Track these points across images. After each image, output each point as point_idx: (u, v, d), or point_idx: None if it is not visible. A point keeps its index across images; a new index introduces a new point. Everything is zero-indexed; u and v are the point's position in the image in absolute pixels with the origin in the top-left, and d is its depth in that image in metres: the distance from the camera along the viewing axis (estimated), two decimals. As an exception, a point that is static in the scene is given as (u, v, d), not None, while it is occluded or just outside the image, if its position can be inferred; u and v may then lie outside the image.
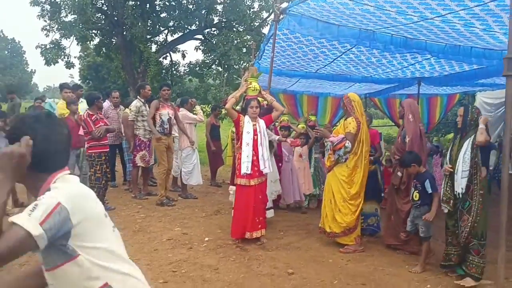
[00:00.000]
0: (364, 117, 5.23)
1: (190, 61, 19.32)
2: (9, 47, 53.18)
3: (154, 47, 17.63)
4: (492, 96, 13.38)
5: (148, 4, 16.05)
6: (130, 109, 7.33)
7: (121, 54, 15.94)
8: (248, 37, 16.49)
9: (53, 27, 14.71)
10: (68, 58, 15.39)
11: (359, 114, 5.08)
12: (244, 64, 15.25)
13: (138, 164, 7.37)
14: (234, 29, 17.02)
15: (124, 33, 15.01)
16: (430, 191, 4.49)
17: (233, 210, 5.36)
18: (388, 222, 5.04)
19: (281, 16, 5.54)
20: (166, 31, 18.01)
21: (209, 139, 8.77)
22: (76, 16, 13.64)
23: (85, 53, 24.64)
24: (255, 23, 16.78)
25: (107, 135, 6.67)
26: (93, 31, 15.69)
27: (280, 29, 5.75)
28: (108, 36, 16.47)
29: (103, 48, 17.38)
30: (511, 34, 2.72)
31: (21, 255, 1.36)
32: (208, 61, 18.49)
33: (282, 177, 6.63)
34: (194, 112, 8.19)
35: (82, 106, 7.09)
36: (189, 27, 17.33)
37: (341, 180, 4.99)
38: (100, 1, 15.51)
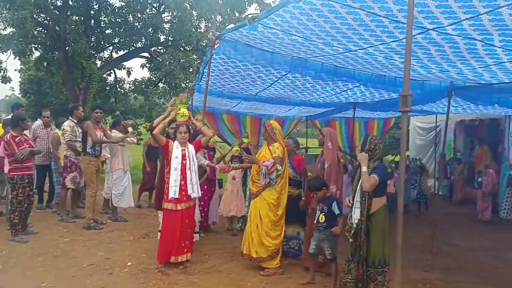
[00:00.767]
0: (284, 144, 5.46)
1: (136, 78, 19.09)
2: None
3: (98, 63, 17.31)
4: (424, 121, 14.24)
5: (92, 20, 15.80)
6: (64, 129, 7.18)
7: (63, 69, 15.53)
8: (195, 56, 16.59)
9: (-12, 40, 14.13)
10: (4, 73, 14.79)
11: (281, 141, 5.30)
12: (190, 84, 15.29)
13: (68, 186, 7.19)
14: (181, 48, 17.06)
15: (66, 48, 14.67)
16: (337, 212, 4.71)
17: (159, 234, 5.36)
18: (307, 245, 5.20)
19: (217, 42, 5.71)
20: (111, 48, 17.75)
21: (145, 159, 8.74)
22: (14, 29, 13.18)
23: (26, 66, 23.70)
24: (201, 43, 16.91)
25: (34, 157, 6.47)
26: (33, 45, 15.19)
27: (217, 53, 5.91)
28: (49, 50, 16.02)
29: (44, 63, 16.86)
30: (406, 74, 2.97)
31: None
32: (154, 79, 18.36)
33: (213, 201, 6.77)
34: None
35: None
36: (135, 44, 17.18)
37: (270, 204, 5.13)
38: (42, 16, 15.09)
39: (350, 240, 4.28)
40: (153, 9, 16.78)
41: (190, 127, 5.49)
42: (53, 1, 14.91)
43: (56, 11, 14.60)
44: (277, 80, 7.10)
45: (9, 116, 7.88)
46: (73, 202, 7.65)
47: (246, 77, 7.11)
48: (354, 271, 4.23)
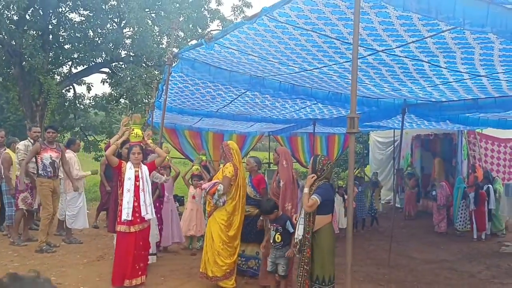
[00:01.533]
0: (242, 165, 5.48)
1: (96, 94, 18.74)
2: None
3: (57, 78, 16.88)
4: (383, 136, 14.62)
5: (51, 35, 15.45)
6: (18, 148, 6.96)
7: (19, 85, 15.06)
8: (156, 72, 16.45)
9: None
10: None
11: (237, 162, 5.30)
12: (151, 100, 15.14)
13: (20, 207, 6.94)
14: (143, 63, 16.90)
15: (23, 63, 14.26)
16: (292, 230, 4.76)
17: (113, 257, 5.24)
18: (265, 264, 5.20)
19: (175, 60, 5.71)
20: (70, 63, 17.38)
21: (103, 178, 8.45)
22: (-34, 43, 12.74)
23: (-20, 81, 22.84)
24: (163, 59, 16.82)
25: None
26: (-14, 60, 14.71)
27: (175, 71, 5.91)
28: (5, 65, 15.54)
29: (0, 78, 16.33)
30: (352, 96, 3.07)
31: None
32: (115, 94, 18.08)
33: (163, 218, 6.67)
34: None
35: None
36: (95, 59, 16.90)
37: (221, 224, 5.12)
38: (-4, 30, 14.64)
39: (297, 255, 4.34)
40: (114, 24, 16.59)
41: (143, 147, 5.43)
42: (9, 15, 14.50)
43: (12, 26, 14.19)
44: (237, 97, 7.16)
45: None
46: (25, 224, 7.36)
47: (205, 94, 7.13)
48: (301, 286, 4.26)
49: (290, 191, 5.19)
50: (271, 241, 4.88)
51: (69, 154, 7.30)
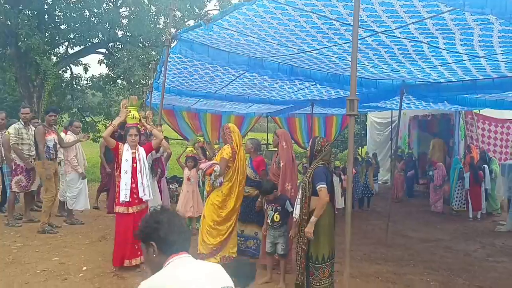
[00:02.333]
0: (242, 148, 5.47)
1: (93, 75, 18.66)
2: None
3: (54, 59, 16.76)
4: (380, 116, 14.65)
5: (46, 15, 15.28)
6: (9, 132, 6.96)
7: (15, 66, 14.96)
8: (154, 52, 16.35)
9: None
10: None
11: (236, 145, 5.30)
12: (149, 81, 15.08)
13: (13, 190, 6.99)
14: (140, 44, 16.78)
15: (19, 43, 14.14)
16: (291, 209, 4.84)
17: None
18: (264, 244, 5.25)
19: (174, 41, 5.68)
20: (66, 43, 17.25)
21: (103, 160, 8.49)
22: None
23: (-25, 61, 22.64)
24: (161, 39, 16.70)
25: None
26: (-18, 40, 14.57)
27: (174, 52, 5.88)
28: (0, 46, 15.40)
29: (-4, 58, 16.20)
30: (352, 78, 3.08)
31: None
32: (112, 75, 18.00)
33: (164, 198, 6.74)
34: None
35: None
36: (91, 40, 16.76)
37: (214, 205, 5.16)
38: (-9, 10, 14.46)
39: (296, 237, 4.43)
40: (110, 4, 16.43)
41: (140, 129, 5.44)
42: (3, -5, 14.32)
43: (7, 5, 14.01)
44: (235, 78, 7.14)
45: None
46: (26, 205, 7.41)
47: (204, 75, 7.11)
48: (299, 266, 4.35)
49: (290, 171, 5.25)
50: (269, 222, 4.95)
51: (69, 136, 7.33)
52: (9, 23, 14.25)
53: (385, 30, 3.95)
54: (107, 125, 13.88)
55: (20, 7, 14.33)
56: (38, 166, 6.73)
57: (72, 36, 16.52)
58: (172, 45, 5.73)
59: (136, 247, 5.02)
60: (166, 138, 8.04)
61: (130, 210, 5.02)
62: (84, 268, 5.18)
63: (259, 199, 5.50)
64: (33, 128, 7.09)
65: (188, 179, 6.98)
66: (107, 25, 15.99)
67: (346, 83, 6.35)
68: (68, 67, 17.70)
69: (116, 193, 5.12)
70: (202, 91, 8.54)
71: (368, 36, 4.16)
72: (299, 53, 5.10)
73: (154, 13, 16.67)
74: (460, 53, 4.43)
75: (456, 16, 3.35)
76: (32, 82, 15.11)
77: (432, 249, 6.80)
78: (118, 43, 17.51)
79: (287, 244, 4.92)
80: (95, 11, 16.00)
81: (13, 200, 7.21)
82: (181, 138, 13.23)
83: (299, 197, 4.31)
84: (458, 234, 7.90)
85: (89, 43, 16.90)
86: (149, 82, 13.29)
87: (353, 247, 4.47)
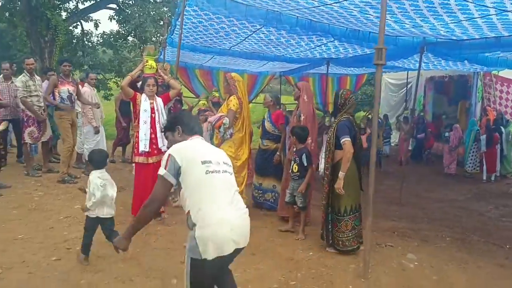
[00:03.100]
0: (246, 97, 5.43)
1: (104, 31, 18.44)
2: None
3: (64, 15, 16.53)
4: (395, 77, 14.40)
5: (56, -32, 14.98)
6: (16, 85, 6.96)
7: (26, 20, 14.79)
8: (165, 9, 16.05)
9: None
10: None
11: (241, 94, 5.25)
12: (161, 38, 14.86)
13: (26, 141, 7.07)
14: (151, -1, 16.48)
15: (29, -2, 13.93)
16: (306, 163, 4.83)
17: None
18: (283, 196, 5.31)
19: (190, -7, 5.53)
20: (76, -2, 16.97)
21: (118, 114, 8.54)
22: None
23: (-15, 17, 22.41)
24: (174, -6, 16.36)
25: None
26: (-8, -6, 14.37)
27: (190, 5, 5.74)
28: (11, 0, 15.18)
29: (6, 13, 15.99)
30: (381, 26, 2.97)
31: (168, 191, 2.47)
32: (123, 32, 17.75)
33: None
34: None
35: None
36: (102, -6, 16.48)
37: (230, 156, 5.16)
38: (1, -37, 14.20)
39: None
40: (121, -43, 16.02)
41: (158, 79, 5.37)
42: None
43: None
44: (251, 34, 6.98)
45: None
46: (45, 156, 7.51)
47: (219, 30, 6.96)
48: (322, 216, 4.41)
49: (311, 124, 5.20)
50: (290, 171, 4.98)
51: (85, 88, 7.32)
52: (19, -23, 14.01)
53: (412, -20, 3.79)
54: (118, 82, 13.81)
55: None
56: (55, 117, 6.79)
57: (82, -10, 16.23)
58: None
59: None
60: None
61: (150, 161, 5.02)
62: (106, 215, 5.26)
63: (277, 153, 5.49)
64: (39, 78, 7.09)
65: None
66: (118, -21, 15.67)
67: (365, 40, 6.20)
68: (78, 23, 17.47)
69: (134, 143, 5.12)
70: (217, 47, 8.40)
71: (394, -13, 4.00)
72: (319, 6, 4.94)
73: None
74: (487, 6, 4.26)
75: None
76: (43, 38, 14.97)
77: (446, 209, 6.82)
78: (128, -2, 17.20)
79: (305, 197, 4.94)
80: (105, -36, 15.64)
81: (27, 151, 7.31)
82: (193, 96, 13.18)
83: (324, 151, 4.30)
84: (471, 195, 7.90)
85: (100, -2, 16.61)
86: (161, 38, 13.11)
87: (366, 204, 4.48)
